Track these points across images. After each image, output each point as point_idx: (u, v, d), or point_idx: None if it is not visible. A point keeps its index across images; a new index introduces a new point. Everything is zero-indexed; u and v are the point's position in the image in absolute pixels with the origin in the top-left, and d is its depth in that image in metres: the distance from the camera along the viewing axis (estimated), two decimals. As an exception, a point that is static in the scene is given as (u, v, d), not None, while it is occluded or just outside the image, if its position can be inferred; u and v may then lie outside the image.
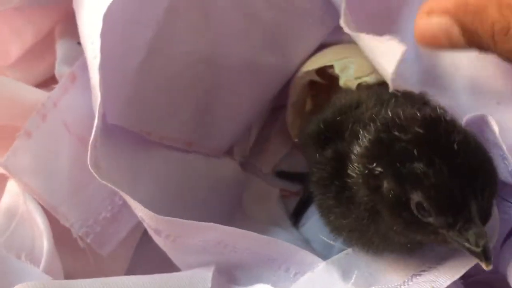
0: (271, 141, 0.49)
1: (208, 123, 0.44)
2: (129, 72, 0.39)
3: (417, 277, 0.31)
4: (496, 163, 0.34)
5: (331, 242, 0.36)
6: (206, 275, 0.33)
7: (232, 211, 0.45)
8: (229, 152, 0.46)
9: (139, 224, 0.37)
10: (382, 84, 0.37)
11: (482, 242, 0.27)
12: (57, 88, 0.38)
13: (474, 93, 0.39)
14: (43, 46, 0.45)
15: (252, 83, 0.45)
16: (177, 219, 0.32)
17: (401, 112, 0.30)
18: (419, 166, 0.28)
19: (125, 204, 0.36)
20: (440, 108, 0.33)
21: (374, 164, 0.29)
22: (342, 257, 0.34)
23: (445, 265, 0.30)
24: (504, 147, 0.32)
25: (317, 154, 0.34)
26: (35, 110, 0.37)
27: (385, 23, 0.41)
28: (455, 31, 0.31)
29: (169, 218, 0.32)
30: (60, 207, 0.36)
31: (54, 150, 0.36)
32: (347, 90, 0.40)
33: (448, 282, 0.30)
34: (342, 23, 0.37)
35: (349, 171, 0.31)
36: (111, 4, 0.33)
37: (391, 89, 0.34)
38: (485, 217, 0.29)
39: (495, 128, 0.32)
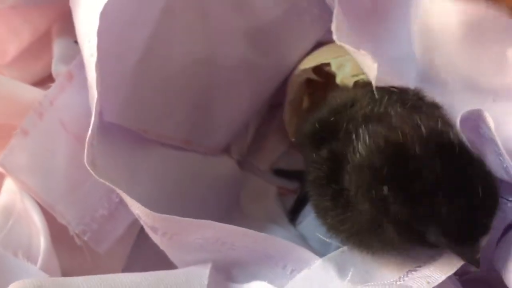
0: (269, 139, 0.49)
1: (205, 121, 0.44)
2: (126, 71, 0.39)
3: (413, 272, 0.31)
4: (491, 160, 0.34)
5: (328, 240, 0.36)
6: (203, 272, 0.33)
7: (230, 209, 0.45)
8: (226, 150, 0.46)
9: (136, 221, 0.37)
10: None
11: (477, 256, 0.29)
12: (54, 86, 0.38)
13: (470, 90, 0.39)
14: (40, 45, 0.45)
15: (249, 82, 0.45)
16: (174, 216, 0.32)
17: (408, 128, 0.29)
18: (438, 204, 0.28)
19: (122, 202, 0.36)
20: (445, 123, 0.32)
21: (383, 188, 0.28)
22: (339, 254, 0.34)
23: (440, 261, 0.30)
24: (499, 143, 0.32)
25: (313, 154, 0.34)
26: (32, 108, 0.37)
27: (376, 22, 0.41)
28: None
29: (166, 215, 0.32)
30: (57, 205, 0.36)
31: (51, 148, 0.36)
32: (343, 89, 0.40)
33: (443, 277, 0.30)
34: (333, 27, 0.37)
35: (346, 183, 0.31)
36: (108, 3, 0.33)
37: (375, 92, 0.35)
38: (486, 232, 0.30)
39: (491, 123, 0.32)
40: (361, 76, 0.40)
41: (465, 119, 0.33)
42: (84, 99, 0.37)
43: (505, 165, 0.32)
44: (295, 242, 0.36)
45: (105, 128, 0.38)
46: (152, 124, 0.40)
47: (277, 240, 0.35)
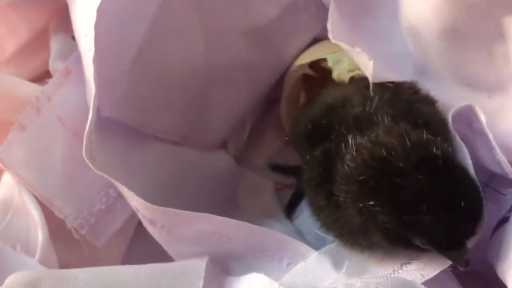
0: (265, 135, 0.49)
1: (202, 117, 0.44)
2: (123, 67, 0.39)
3: (407, 265, 0.31)
4: (484, 154, 0.34)
5: (324, 235, 0.37)
6: (200, 265, 0.33)
7: (227, 204, 0.45)
8: (223, 146, 0.47)
9: (133, 216, 0.37)
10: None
11: (466, 257, 0.30)
12: (51, 82, 0.38)
13: (465, 86, 0.40)
14: (38, 42, 0.46)
15: (246, 78, 0.45)
16: (172, 209, 0.32)
17: (392, 143, 0.30)
18: (422, 216, 0.29)
19: (119, 196, 0.36)
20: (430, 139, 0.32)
21: (371, 202, 0.30)
22: (334, 248, 0.35)
23: (435, 253, 0.31)
24: (491, 137, 0.32)
25: (307, 154, 0.35)
26: (29, 104, 0.37)
27: (370, 19, 0.42)
28: None
29: (164, 208, 0.32)
30: (54, 199, 0.36)
31: (48, 143, 0.37)
32: (334, 85, 0.40)
33: (438, 270, 0.31)
34: (328, 26, 0.38)
35: (336, 191, 0.32)
36: None
37: (371, 89, 0.35)
38: (472, 235, 0.31)
39: (483, 118, 0.32)
40: (357, 71, 0.40)
41: (458, 114, 0.34)
42: (81, 95, 0.37)
43: (497, 159, 0.32)
44: (291, 236, 0.37)
45: (102, 123, 0.38)
46: (149, 119, 0.41)
47: (273, 233, 0.35)
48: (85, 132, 0.33)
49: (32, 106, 0.37)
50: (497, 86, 0.38)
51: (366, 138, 0.31)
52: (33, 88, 0.39)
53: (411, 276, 0.31)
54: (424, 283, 0.30)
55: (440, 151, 0.30)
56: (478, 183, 0.31)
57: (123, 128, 0.39)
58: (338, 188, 0.32)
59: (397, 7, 0.39)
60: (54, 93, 0.37)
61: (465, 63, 0.38)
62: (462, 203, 0.29)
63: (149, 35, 0.39)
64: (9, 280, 0.29)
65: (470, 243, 0.31)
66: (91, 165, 0.32)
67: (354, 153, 0.31)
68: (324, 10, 0.43)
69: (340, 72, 0.42)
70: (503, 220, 0.35)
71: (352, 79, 0.40)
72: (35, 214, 0.35)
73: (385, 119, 0.33)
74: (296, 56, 0.46)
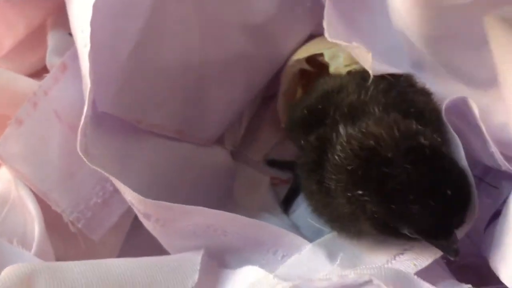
0: (262, 130, 0.50)
1: (199, 112, 0.44)
2: (119, 62, 0.39)
3: (400, 256, 0.32)
4: (477, 146, 0.34)
5: (320, 227, 0.37)
6: (196, 258, 0.34)
7: (223, 199, 0.45)
8: (219, 141, 0.47)
9: (130, 210, 0.37)
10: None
11: (455, 246, 0.30)
12: (48, 77, 0.38)
13: (460, 79, 0.40)
14: (35, 38, 0.46)
15: (243, 73, 0.45)
16: (166, 202, 0.33)
17: (381, 133, 0.31)
18: (410, 205, 0.29)
19: (116, 190, 0.36)
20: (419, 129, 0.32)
21: (359, 191, 0.30)
22: (328, 239, 0.35)
23: (426, 244, 0.31)
24: (484, 129, 0.33)
25: (302, 140, 0.35)
26: (26, 98, 0.37)
27: (364, 14, 0.42)
28: None
29: (158, 201, 0.32)
30: (51, 193, 0.36)
31: (45, 137, 0.37)
32: (331, 75, 0.40)
33: (430, 260, 0.31)
34: (324, 24, 0.38)
35: (326, 180, 0.32)
36: None
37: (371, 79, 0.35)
38: (461, 224, 0.31)
39: (476, 110, 0.33)
40: (354, 66, 0.40)
41: (452, 106, 0.34)
42: (78, 90, 0.38)
43: (490, 151, 0.33)
44: (288, 230, 0.37)
45: (98, 118, 0.38)
46: (145, 114, 0.41)
47: (268, 226, 0.35)
48: (80, 126, 0.33)
49: (29, 100, 0.37)
50: (490, 82, 0.38)
51: (356, 128, 0.32)
52: (31, 83, 0.39)
53: (404, 266, 0.31)
54: (419, 275, 0.30)
55: (428, 141, 0.30)
56: (468, 173, 0.32)
57: (119, 123, 0.40)
58: (328, 177, 0.32)
59: (389, 6, 0.40)
60: (51, 88, 0.38)
61: (455, 61, 0.38)
62: (450, 192, 0.29)
63: (145, 30, 0.40)
64: (5, 272, 0.29)
65: (461, 233, 0.31)
66: (85, 159, 0.33)
67: (344, 143, 0.31)
68: (320, 5, 0.43)
69: (337, 67, 0.42)
70: (497, 214, 0.35)
71: (349, 73, 0.40)
72: (32, 208, 0.35)
73: (377, 109, 0.33)
74: (293, 51, 0.46)
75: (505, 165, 0.33)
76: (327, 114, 0.34)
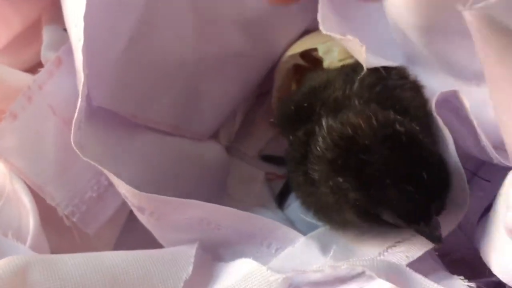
0: (257, 126, 0.50)
1: (194, 107, 0.45)
2: (113, 57, 0.39)
3: (392, 248, 0.32)
4: (469, 141, 0.35)
5: (314, 221, 0.37)
6: (190, 251, 0.34)
7: (217, 194, 0.45)
8: (214, 136, 0.47)
9: (125, 203, 0.37)
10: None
11: (437, 233, 0.30)
12: (43, 71, 0.38)
13: (454, 74, 0.40)
14: (30, 33, 0.46)
15: (237, 69, 0.45)
16: (159, 196, 0.33)
17: (359, 123, 0.31)
18: (388, 189, 0.30)
19: (111, 184, 0.37)
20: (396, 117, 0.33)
21: (340, 179, 0.31)
22: (321, 232, 0.35)
23: (418, 236, 0.31)
24: (475, 122, 0.33)
25: (291, 135, 0.36)
26: (21, 92, 0.37)
27: (358, 8, 0.42)
28: None
29: (152, 195, 0.33)
30: (46, 187, 0.36)
31: (39, 131, 0.37)
32: (319, 70, 0.40)
33: (421, 252, 0.31)
34: (319, 17, 0.38)
35: (309, 170, 0.33)
36: None
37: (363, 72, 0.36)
38: (441, 210, 0.31)
39: (467, 104, 0.33)
40: (348, 61, 0.40)
41: (443, 99, 0.34)
42: (72, 84, 0.38)
43: (482, 144, 0.33)
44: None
45: (93, 112, 0.38)
46: (140, 109, 0.41)
47: (261, 219, 0.36)
48: (74, 119, 0.33)
49: (24, 94, 0.37)
50: (482, 75, 0.38)
51: (337, 120, 0.32)
52: (25, 77, 0.39)
53: (396, 258, 0.31)
54: (411, 267, 0.30)
55: (404, 128, 0.31)
56: (458, 165, 0.32)
57: (114, 117, 0.40)
58: (312, 168, 0.33)
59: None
60: (46, 82, 0.38)
61: (449, 54, 0.38)
62: (426, 176, 0.30)
63: (140, 25, 0.40)
64: (0, 264, 0.29)
65: (451, 225, 0.31)
66: (78, 152, 0.33)
67: (325, 134, 0.32)
68: (315, 1, 0.43)
69: (331, 62, 0.42)
70: (490, 207, 0.35)
71: (337, 68, 0.41)
72: (26, 202, 0.35)
73: (358, 102, 0.34)
74: (287, 47, 0.46)
75: (496, 158, 0.33)
76: (314, 110, 0.35)
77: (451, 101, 0.34)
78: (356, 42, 0.36)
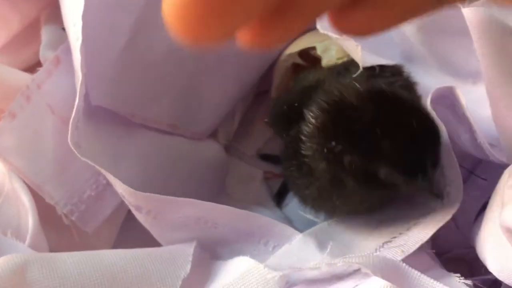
0: (255, 125, 0.50)
1: (192, 106, 0.45)
2: (112, 56, 0.40)
3: (388, 243, 0.32)
4: (466, 138, 0.35)
5: (311, 218, 0.37)
6: (188, 250, 0.34)
7: (215, 193, 0.45)
8: (213, 135, 0.47)
9: (124, 202, 0.37)
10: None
11: (435, 188, 0.31)
12: (41, 71, 0.38)
13: (451, 72, 0.40)
14: (29, 33, 0.46)
15: (236, 68, 0.45)
16: (156, 195, 0.33)
17: (345, 89, 0.32)
18: (380, 142, 0.30)
19: (109, 183, 0.37)
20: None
21: (333, 143, 0.31)
22: (318, 229, 0.36)
23: (414, 230, 0.32)
24: (471, 119, 0.33)
25: (284, 134, 0.36)
26: (19, 92, 0.37)
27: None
28: None
29: (148, 194, 0.33)
30: (44, 186, 0.36)
31: (38, 130, 0.37)
32: (311, 70, 0.41)
33: (417, 245, 0.31)
34: None
35: (303, 152, 0.33)
36: None
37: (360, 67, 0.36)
38: (436, 164, 0.32)
39: (463, 101, 0.33)
40: (346, 59, 0.41)
41: (440, 96, 0.34)
42: (71, 83, 0.38)
43: (478, 141, 0.33)
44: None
45: (92, 112, 0.38)
46: (138, 108, 0.41)
47: (258, 217, 0.36)
48: (71, 119, 0.33)
49: (22, 94, 0.37)
50: (479, 73, 0.38)
51: (322, 93, 0.33)
52: (24, 77, 0.39)
53: (392, 253, 0.31)
54: (407, 264, 0.31)
55: (390, 88, 0.31)
56: (452, 158, 0.33)
57: (112, 116, 0.40)
58: (305, 147, 0.33)
59: None
60: (44, 81, 0.38)
61: (446, 53, 0.38)
62: (416, 126, 0.30)
63: (138, 24, 0.40)
64: (-1, 262, 0.29)
65: (447, 215, 0.32)
66: (76, 151, 0.33)
67: (313, 108, 0.32)
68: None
69: (329, 60, 0.42)
70: (486, 205, 0.35)
71: (329, 67, 0.41)
72: (25, 201, 0.35)
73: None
74: (286, 45, 0.46)
75: (492, 155, 0.33)
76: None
77: (447, 98, 0.34)
78: (351, 42, 0.36)
